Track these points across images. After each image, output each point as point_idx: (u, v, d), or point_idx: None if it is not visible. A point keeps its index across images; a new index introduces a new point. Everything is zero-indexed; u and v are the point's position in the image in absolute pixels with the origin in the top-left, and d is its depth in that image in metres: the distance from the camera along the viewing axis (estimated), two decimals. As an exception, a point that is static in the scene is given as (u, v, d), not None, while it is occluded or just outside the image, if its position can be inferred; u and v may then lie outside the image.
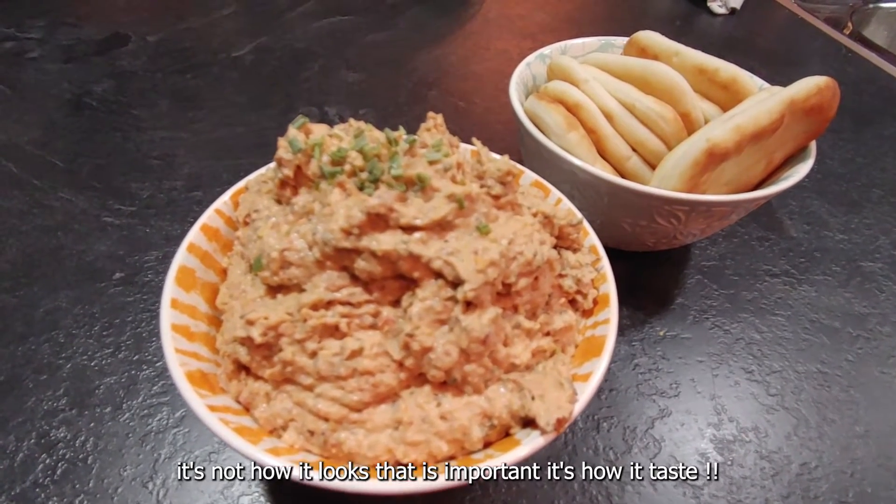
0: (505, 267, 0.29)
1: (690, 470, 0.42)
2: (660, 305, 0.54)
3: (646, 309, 0.53)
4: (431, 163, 0.30)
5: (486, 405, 0.29)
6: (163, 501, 0.38)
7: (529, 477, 0.40)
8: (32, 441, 0.40)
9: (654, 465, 0.42)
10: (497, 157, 0.34)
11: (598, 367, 0.30)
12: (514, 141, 0.60)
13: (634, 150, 0.51)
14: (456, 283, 0.28)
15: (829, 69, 0.97)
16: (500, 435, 0.29)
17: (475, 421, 0.28)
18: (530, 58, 0.57)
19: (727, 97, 0.52)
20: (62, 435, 0.41)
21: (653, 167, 0.51)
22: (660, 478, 0.41)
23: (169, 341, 0.30)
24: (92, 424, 0.41)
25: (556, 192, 0.41)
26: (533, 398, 0.28)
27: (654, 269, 0.57)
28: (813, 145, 0.49)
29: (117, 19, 0.91)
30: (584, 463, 0.42)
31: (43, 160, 0.63)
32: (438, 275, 0.28)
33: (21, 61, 0.79)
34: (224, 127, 0.71)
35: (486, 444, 0.29)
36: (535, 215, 0.34)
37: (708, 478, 0.41)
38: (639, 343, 0.50)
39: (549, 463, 0.41)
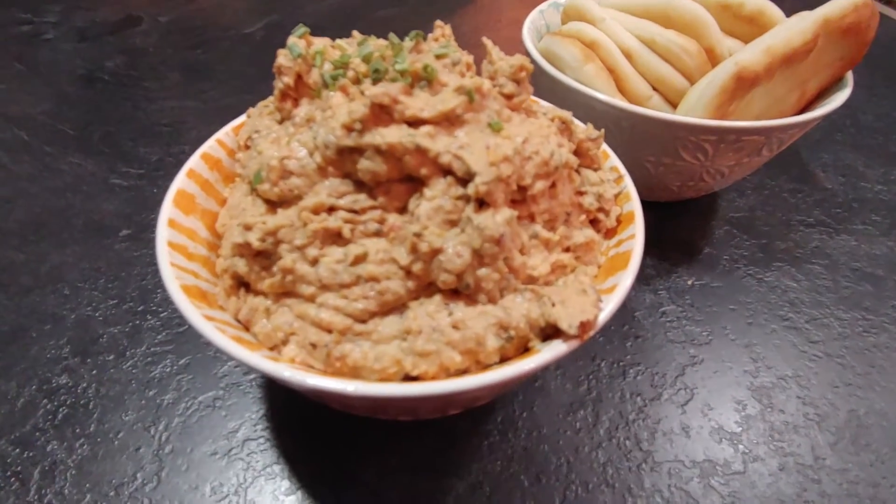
0: (519, 165, 0.26)
1: (726, 415, 0.39)
2: (687, 255, 0.51)
3: (672, 259, 0.50)
4: (439, 57, 0.28)
5: (501, 314, 0.26)
6: (164, 445, 0.36)
7: (551, 422, 0.38)
8: (34, 387, 0.39)
9: (685, 411, 0.39)
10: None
11: (625, 279, 0.28)
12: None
13: (655, 88, 0.48)
14: (466, 180, 0.26)
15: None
16: (519, 350, 0.27)
17: (490, 330, 0.26)
18: (544, 5, 0.55)
19: (754, 31, 0.49)
20: (64, 382, 0.39)
21: (675, 107, 0.48)
22: (691, 424, 0.38)
23: (165, 256, 0.28)
24: (94, 372, 0.40)
25: (576, 122, 0.39)
26: (553, 305, 0.26)
27: (680, 220, 0.54)
28: (849, 75, 0.46)
29: (131, 2, 0.91)
30: (610, 409, 0.39)
31: (54, 128, 0.63)
32: (448, 171, 0.26)
33: (36, 42, 0.80)
34: (233, 95, 0.70)
35: (503, 360, 0.27)
36: (552, 119, 0.31)
37: (747, 424, 0.38)
38: (665, 292, 0.47)
39: (574, 408, 0.39)
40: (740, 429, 0.38)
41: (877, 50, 0.73)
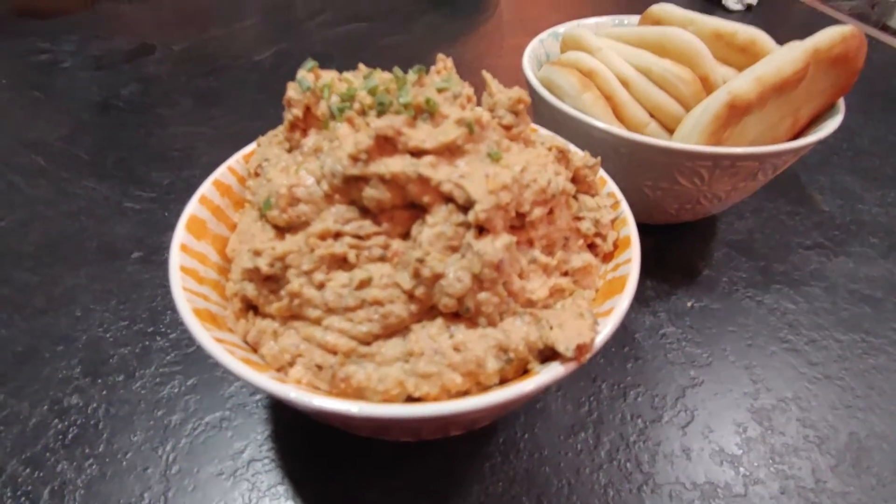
0: (518, 193, 0.28)
1: (727, 438, 0.39)
2: (686, 277, 0.51)
3: (671, 281, 0.51)
4: (440, 90, 0.29)
5: (501, 337, 0.27)
6: (172, 466, 0.37)
7: (552, 443, 0.38)
8: (45, 408, 0.40)
9: (686, 433, 0.39)
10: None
11: (621, 303, 0.29)
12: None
13: (652, 115, 0.50)
14: (467, 207, 0.27)
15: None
16: (518, 372, 0.28)
17: (490, 353, 0.27)
18: (543, 35, 0.57)
19: (747, 60, 0.50)
20: (74, 402, 0.40)
21: (672, 132, 0.49)
22: (691, 446, 0.38)
23: (177, 280, 0.29)
24: (104, 392, 0.41)
25: (572, 147, 0.40)
26: (551, 328, 0.27)
27: (679, 243, 0.55)
28: (841, 102, 0.47)
29: (145, 32, 0.95)
30: (611, 431, 0.39)
31: (69, 154, 0.65)
32: (449, 199, 0.27)
33: (54, 70, 0.83)
34: (244, 121, 0.72)
35: (503, 381, 0.27)
36: (549, 150, 0.33)
37: (747, 447, 0.38)
38: (664, 314, 0.48)
39: (575, 430, 0.39)
40: (741, 451, 0.38)
41: (872, 74, 0.75)
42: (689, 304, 0.49)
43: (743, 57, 0.51)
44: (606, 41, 0.53)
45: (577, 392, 0.41)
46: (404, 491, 0.36)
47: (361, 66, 0.35)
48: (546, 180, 0.28)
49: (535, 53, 0.55)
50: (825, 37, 0.43)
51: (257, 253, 0.28)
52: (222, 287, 0.33)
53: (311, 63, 0.33)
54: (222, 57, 0.88)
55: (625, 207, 0.35)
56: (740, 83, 0.42)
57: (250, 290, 0.29)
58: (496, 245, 0.26)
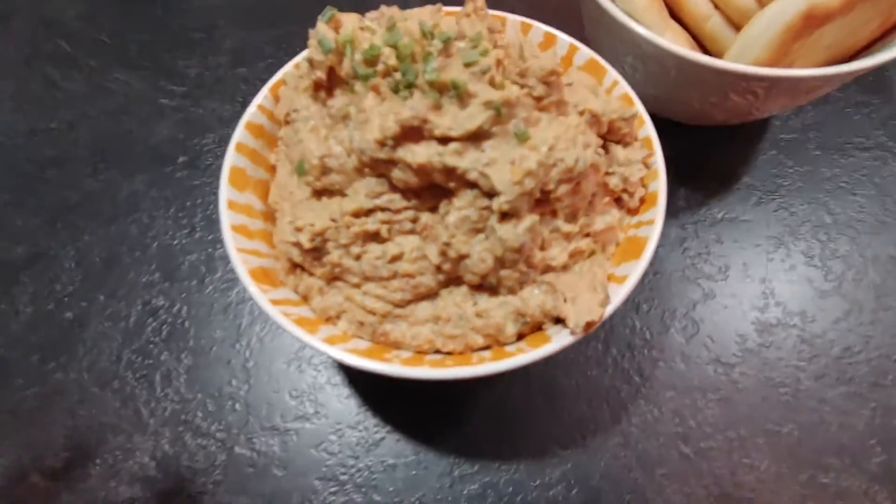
0: (543, 175, 0.28)
1: (726, 348, 0.44)
2: (723, 185, 0.50)
3: (707, 189, 0.50)
4: (468, 65, 0.27)
5: (519, 304, 0.30)
6: (249, 359, 0.45)
7: (566, 350, 0.44)
8: (139, 307, 0.48)
9: (688, 343, 0.44)
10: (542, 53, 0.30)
11: (635, 271, 0.30)
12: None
13: (717, 6, 0.43)
14: (492, 194, 0.28)
15: None
16: (533, 329, 0.31)
17: (509, 318, 0.30)
18: None
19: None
20: (161, 303, 0.48)
21: (738, 28, 0.43)
22: (691, 355, 0.43)
23: (230, 242, 0.32)
24: (183, 295, 0.48)
25: (612, 74, 0.37)
26: (565, 300, 0.30)
27: (723, 144, 0.52)
28: (952, -9, 0.39)
29: None
30: (620, 340, 0.44)
31: (92, 38, 0.63)
32: (474, 185, 0.28)
33: (47, -83, 0.74)
34: (260, -12, 0.66)
35: (520, 337, 0.32)
36: (581, 113, 0.31)
37: (740, 357, 0.43)
38: (692, 226, 0.49)
39: (587, 340, 0.44)
40: (735, 360, 0.43)
41: None
42: (719, 215, 0.49)
43: (846, -80, 0.41)
44: None
45: (594, 305, 0.46)
46: (439, 386, 0.43)
47: (384, 8, 0.32)
48: (574, 159, 0.28)
49: (587, -89, 0.46)
50: (953, -85, 0.34)
51: (299, 229, 0.30)
52: (269, 235, 0.36)
53: (329, 12, 0.31)
54: None
55: (658, 159, 0.34)
56: (825, -15, 0.35)
57: (296, 255, 0.32)
58: (518, 230, 0.28)
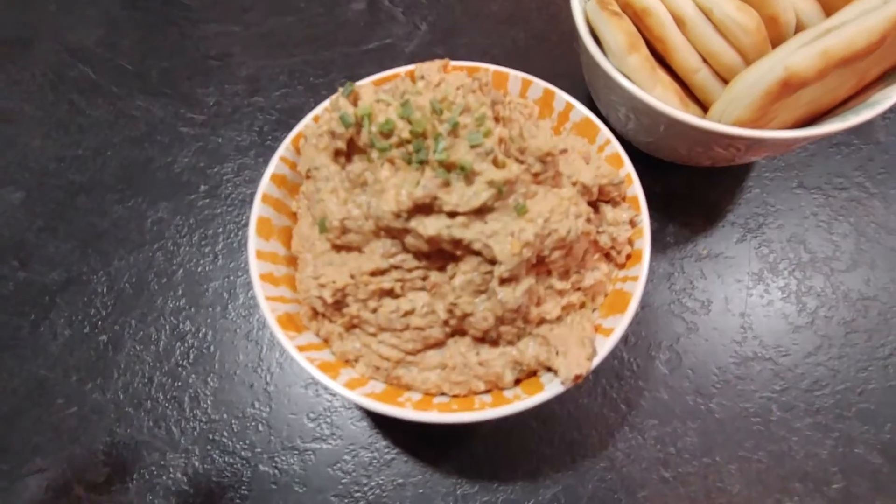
0: (539, 245, 0.32)
1: (705, 379, 0.48)
2: (709, 222, 0.54)
3: (693, 225, 0.54)
4: (473, 146, 0.31)
5: (516, 354, 0.34)
6: (270, 383, 0.49)
7: (559, 379, 0.48)
8: (167, 332, 0.52)
9: (671, 374, 0.48)
10: (540, 125, 0.34)
11: (620, 325, 0.34)
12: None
13: (706, 61, 0.46)
14: (493, 262, 0.31)
15: None
16: (528, 375, 0.35)
17: (508, 367, 0.34)
18: (600, -64, 0.50)
19: (831, -8, 0.44)
20: (188, 328, 0.52)
21: (725, 81, 0.47)
22: (674, 386, 0.47)
23: (260, 291, 0.36)
24: (208, 320, 0.52)
25: (605, 133, 0.41)
26: (557, 353, 0.34)
27: (712, 180, 0.56)
28: (922, 58, 0.43)
29: None
30: (609, 371, 0.48)
31: (114, 64, 0.66)
32: (478, 253, 0.32)
33: (66, -60, 0.77)
34: (273, 16, 0.69)
35: (517, 382, 0.36)
36: (574, 184, 0.35)
37: (720, 389, 0.47)
38: (679, 261, 0.52)
39: (578, 369, 0.48)
40: (714, 391, 0.47)
41: None
42: (704, 251, 0.53)
43: (828, -14, 0.44)
44: (671, -42, 0.46)
45: (586, 336, 0.50)
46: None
47: (398, 81, 0.35)
48: (566, 230, 0.32)
49: (587, -34, 0.49)
50: (919, 0, 0.37)
51: (322, 285, 0.34)
52: (293, 279, 0.40)
53: (349, 87, 0.34)
54: (237, -88, 0.78)
55: (644, 218, 0.37)
56: (800, 58, 0.38)
57: (319, 306, 0.36)
58: (517, 293, 0.32)
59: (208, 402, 0.48)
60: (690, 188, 0.55)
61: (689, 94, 0.49)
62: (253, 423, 0.48)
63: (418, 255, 0.33)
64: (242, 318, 0.52)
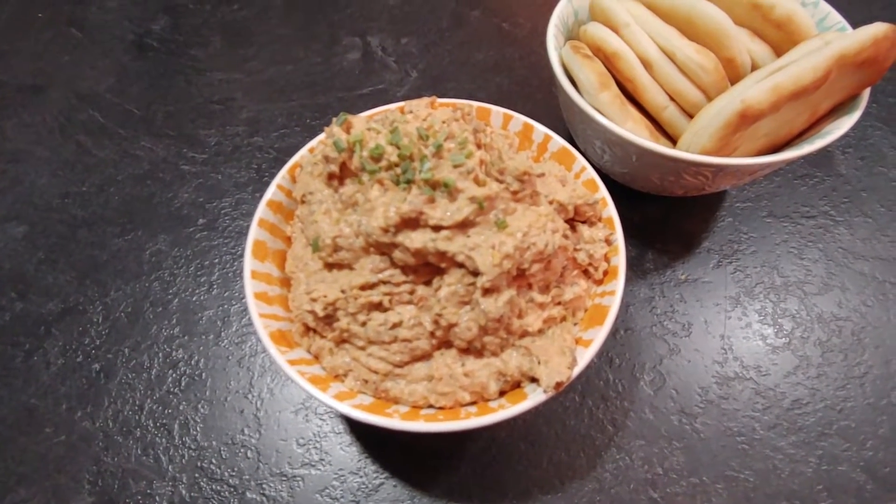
0: (519, 257, 0.34)
1: (689, 399, 0.48)
2: (686, 249, 0.57)
3: (671, 252, 0.56)
4: (456, 165, 0.33)
5: (500, 365, 0.36)
6: (260, 409, 0.50)
7: (546, 402, 0.49)
8: (160, 360, 0.52)
9: (656, 395, 0.49)
10: (516, 155, 0.37)
11: (599, 336, 0.36)
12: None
13: (672, 98, 0.50)
14: (476, 273, 0.33)
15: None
16: (513, 386, 0.37)
17: (492, 378, 0.35)
18: (572, -8, 0.55)
19: (781, 37, 0.49)
20: (181, 356, 0.52)
21: (690, 116, 0.50)
22: (659, 406, 0.48)
23: (254, 308, 0.38)
24: (201, 348, 0.53)
25: (580, 161, 0.44)
26: (539, 363, 0.35)
27: (687, 211, 0.59)
28: (865, 94, 0.47)
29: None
30: (595, 392, 0.49)
31: (122, 108, 0.70)
32: (462, 265, 0.34)
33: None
34: (274, 65, 0.74)
35: (501, 393, 0.37)
36: (551, 202, 0.37)
37: (704, 409, 0.48)
38: (659, 286, 0.54)
39: (565, 392, 0.49)
40: (698, 411, 0.48)
41: None
42: (682, 276, 0.55)
43: (778, 33, 0.49)
44: (635, 9, 0.51)
45: (572, 359, 0.51)
46: (430, 435, 0.48)
47: (388, 113, 0.38)
48: (544, 243, 0.34)
49: (562, 17, 0.54)
50: (854, 41, 0.42)
51: (314, 300, 0.36)
52: (285, 299, 0.41)
53: (343, 117, 0.37)
54: (243, -25, 0.85)
55: (619, 237, 0.40)
56: (755, 92, 0.42)
57: (310, 321, 0.37)
58: (498, 303, 0.33)
59: (198, 428, 0.49)
60: (667, 217, 0.58)
61: (660, 129, 0.53)
62: (242, 450, 0.48)
63: (406, 269, 0.35)
64: (235, 345, 0.53)
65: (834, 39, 0.43)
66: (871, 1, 0.79)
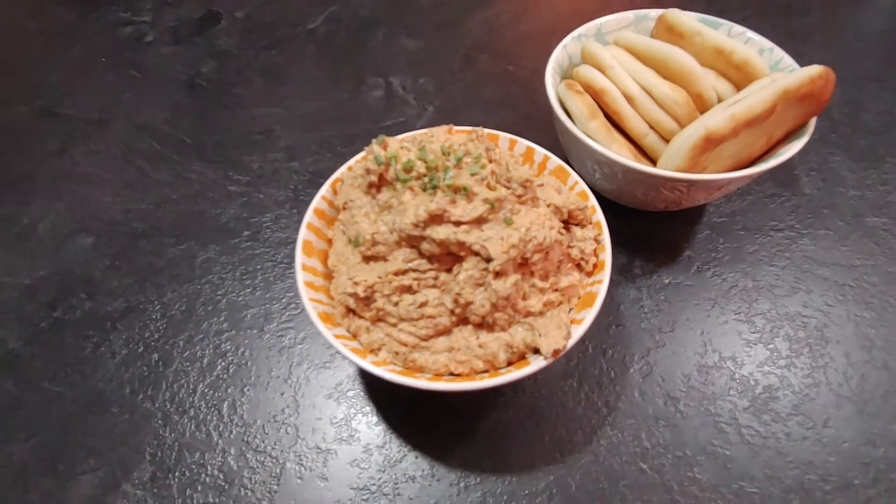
0: (523, 247, 0.42)
1: (674, 385, 0.55)
2: (669, 257, 0.65)
3: (657, 260, 0.64)
4: (472, 174, 0.42)
5: (508, 339, 0.43)
6: (298, 392, 0.57)
7: (548, 387, 0.56)
8: (210, 350, 0.60)
9: (644, 381, 0.56)
10: (520, 167, 0.45)
11: (589, 314, 0.44)
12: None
13: (652, 128, 0.60)
14: (488, 260, 0.42)
15: (892, 5, 0.94)
16: (519, 358, 0.44)
17: (502, 348, 0.43)
18: (567, 40, 0.65)
19: (741, 77, 0.59)
20: (229, 347, 0.60)
21: (667, 142, 0.59)
22: (647, 391, 0.55)
23: (304, 293, 0.46)
24: (246, 341, 0.60)
25: (574, 177, 0.52)
26: (540, 335, 0.43)
27: (671, 224, 0.67)
28: (812, 122, 0.56)
29: (208, -3, 1.04)
30: (591, 379, 0.56)
31: (176, 138, 0.80)
32: (477, 253, 0.42)
33: (142, 46, 0.95)
34: (308, 101, 0.84)
35: (509, 364, 0.44)
36: (548, 206, 0.46)
37: (687, 393, 0.55)
38: (646, 289, 0.62)
39: (565, 377, 0.56)
40: (681, 395, 0.55)
41: None
42: (666, 280, 0.63)
43: (738, 73, 0.59)
44: (618, 54, 0.61)
45: (570, 350, 0.58)
46: (447, 412, 0.55)
47: (416, 134, 0.48)
48: (543, 236, 0.42)
49: (558, 60, 0.64)
50: (795, 79, 0.51)
51: (356, 283, 0.44)
52: (327, 289, 0.49)
53: (381, 138, 0.46)
54: (281, 25, 0.97)
55: (605, 237, 0.48)
56: (716, 119, 0.51)
57: (351, 303, 0.45)
58: (507, 284, 0.41)
59: (244, 408, 0.56)
60: (653, 230, 0.66)
61: (643, 153, 0.62)
62: (283, 427, 0.55)
63: (431, 258, 0.44)
64: (276, 337, 0.61)
65: (780, 78, 0.52)
66: (821, 48, 0.90)
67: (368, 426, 0.55)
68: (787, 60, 0.60)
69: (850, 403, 0.54)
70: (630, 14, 0.67)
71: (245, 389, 0.57)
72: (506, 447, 0.53)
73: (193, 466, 0.52)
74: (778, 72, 0.58)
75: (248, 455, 0.53)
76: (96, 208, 0.73)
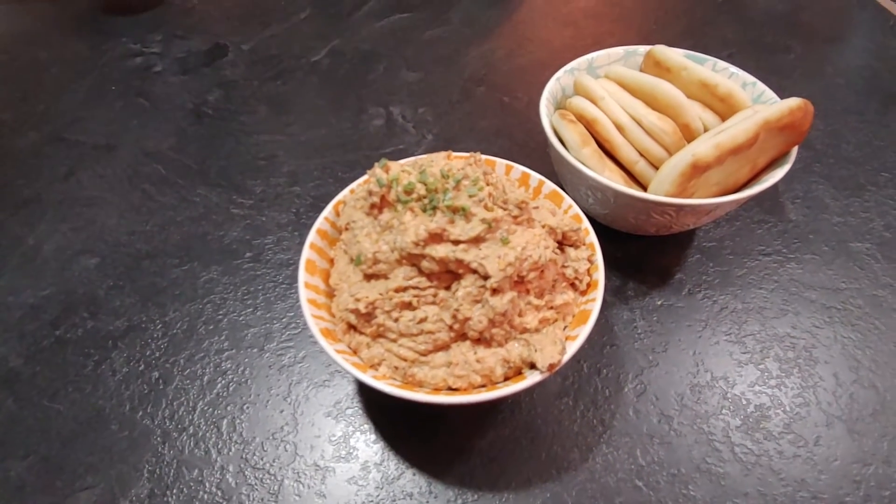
0: (519, 266, 0.44)
1: (667, 404, 0.56)
2: (661, 280, 0.66)
3: (649, 282, 0.66)
4: (471, 196, 0.44)
5: (505, 354, 0.44)
6: (297, 409, 0.57)
7: (544, 405, 0.56)
8: (211, 369, 0.61)
9: (638, 400, 0.57)
10: (516, 189, 0.48)
11: (583, 331, 0.45)
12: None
13: (642, 155, 0.62)
14: (486, 277, 0.43)
15: (869, 43, 0.99)
16: (516, 374, 0.45)
17: (498, 364, 0.44)
18: (560, 73, 0.69)
19: (725, 109, 0.62)
20: (229, 366, 0.61)
21: (657, 169, 0.62)
22: (641, 409, 0.56)
23: (307, 310, 0.47)
24: (246, 360, 0.61)
25: (568, 201, 0.55)
26: (536, 350, 0.44)
27: (662, 249, 0.69)
28: (794, 151, 0.59)
29: (216, 30, 1.08)
30: (586, 397, 0.57)
31: (182, 163, 0.83)
32: (475, 271, 0.44)
33: (150, 75, 0.99)
34: (310, 129, 0.87)
35: (506, 379, 0.45)
36: (543, 227, 0.48)
37: (680, 411, 0.56)
38: (639, 310, 0.64)
39: (560, 396, 0.57)
40: (675, 413, 0.56)
41: (884, 67, 0.83)
42: (659, 302, 0.64)
43: (722, 105, 0.62)
44: (609, 86, 0.64)
45: (565, 369, 0.59)
46: (444, 428, 0.55)
47: (416, 160, 0.50)
48: (538, 255, 0.44)
49: (552, 92, 0.67)
50: (775, 110, 0.54)
51: (357, 299, 0.45)
52: (329, 307, 0.51)
53: (383, 161, 0.49)
54: (285, 57, 1.01)
55: (598, 258, 0.50)
56: (702, 147, 0.54)
57: (352, 319, 0.47)
58: (503, 301, 0.43)
59: (243, 426, 0.56)
60: (645, 254, 0.68)
61: (634, 179, 0.64)
62: (281, 444, 0.55)
63: (430, 276, 0.45)
64: (276, 356, 0.61)
65: (761, 109, 0.55)
66: (803, 83, 0.94)
67: (366, 444, 0.55)
68: (769, 94, 0.64)
69: (840, 422, 0.55)
70: (620, 49, 0.71)
71: (244, 407, 0.58)
72: (503, 464, 0.53)
73: (192, 483, 0.52)
74: (760, 104, 0.61)
75: (246, 472, 0.53)
76: (101, 230, 0.74)
